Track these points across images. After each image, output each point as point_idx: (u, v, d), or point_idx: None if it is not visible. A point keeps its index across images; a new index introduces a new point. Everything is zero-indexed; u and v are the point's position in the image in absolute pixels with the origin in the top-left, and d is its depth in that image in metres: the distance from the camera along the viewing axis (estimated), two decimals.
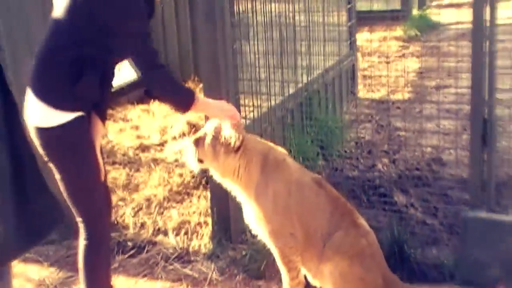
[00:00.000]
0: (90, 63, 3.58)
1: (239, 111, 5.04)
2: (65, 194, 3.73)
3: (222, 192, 4.86)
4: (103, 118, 3.87)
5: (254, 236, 4.85)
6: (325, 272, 3.95)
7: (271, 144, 4.22)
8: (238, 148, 3.90)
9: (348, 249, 3.88)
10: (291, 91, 5.82)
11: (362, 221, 4.06)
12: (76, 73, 3.56)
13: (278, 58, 5.59)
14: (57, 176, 3.69)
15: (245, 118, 5.14)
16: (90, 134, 3.72)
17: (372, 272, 3.92)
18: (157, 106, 7.57)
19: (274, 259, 4.67)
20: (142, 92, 8.11)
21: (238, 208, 4.95)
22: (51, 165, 3.69)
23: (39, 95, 3.57)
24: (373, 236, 4.03)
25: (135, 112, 7.62)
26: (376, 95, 6.96)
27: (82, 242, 3.84)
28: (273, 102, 5.49)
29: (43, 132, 3.59)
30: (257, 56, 5.29)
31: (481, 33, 4.13)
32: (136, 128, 7.18)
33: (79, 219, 3.79)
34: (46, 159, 3.68)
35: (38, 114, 3.58)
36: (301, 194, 3.99)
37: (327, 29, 6.34)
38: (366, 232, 4.00)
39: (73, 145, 3.65)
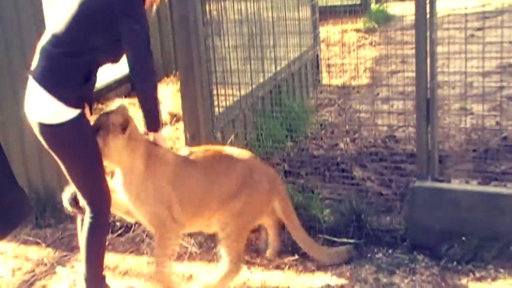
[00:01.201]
0: (96, 66, 3.75)
1: (213, 100, 5.10)
2: (73, 181, 3.86)
3: None
4: (91, 112, 3.91)
5: None
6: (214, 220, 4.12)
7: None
8: (124, 129, 3.85)
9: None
10: (261, 80, 5.85)
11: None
12: (87, 75, 3.71)
13: (248, 51, 5.61)
14: (65, 166, 3.79)
15: (218, 106, 5.20)
16: (90, 127, 3.79)
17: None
18: None
19: None
20: (129, 87, 8.11)
21: None
22: (57, 157, 3.79)
23: (55, 93, 3.62)
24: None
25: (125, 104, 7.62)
26: (338, 82, 6.99)
27: (87, 222, 3.93)
28: (244, 91, 5.52)
29: (53, 128, 3.67)
30: (229, 50, 5.31)
31: (423, 24, 4.20)
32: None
33: (86, 202, 3.90)
34: (53, 152, 3.78)
35: (50, 111, 3.65)
36: (184, 181, 4.05)
37: (292, 24, 6.36)
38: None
39: (80, 137, 3.74)
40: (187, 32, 4.86)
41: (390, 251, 4.37)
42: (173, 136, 6.44)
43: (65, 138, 3.73)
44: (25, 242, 5.23)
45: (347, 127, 6.05)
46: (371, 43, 8.15)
